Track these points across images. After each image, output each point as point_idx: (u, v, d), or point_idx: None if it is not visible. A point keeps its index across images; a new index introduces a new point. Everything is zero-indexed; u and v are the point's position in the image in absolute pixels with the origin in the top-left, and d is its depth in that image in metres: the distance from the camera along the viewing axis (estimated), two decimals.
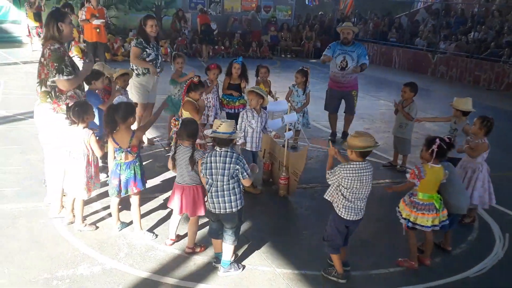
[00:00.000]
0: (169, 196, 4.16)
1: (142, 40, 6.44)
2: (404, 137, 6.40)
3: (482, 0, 17.89)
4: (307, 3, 18.05)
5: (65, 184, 4.36)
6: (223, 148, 3.65)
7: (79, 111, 4.09)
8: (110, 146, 4.11)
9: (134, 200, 4.20)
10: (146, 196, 4.91)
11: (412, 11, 20.15)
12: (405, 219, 4.04)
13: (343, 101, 7.75)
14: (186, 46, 17.39)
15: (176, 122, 3.89)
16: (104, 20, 11.39)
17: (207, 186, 3.72)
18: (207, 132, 3.73)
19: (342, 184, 3.66)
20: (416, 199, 4.00)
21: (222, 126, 3.60)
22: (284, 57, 19.06)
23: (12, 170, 5.63)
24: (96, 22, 11.11)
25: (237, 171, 3.62)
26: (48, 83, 4.17)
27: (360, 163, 3.62)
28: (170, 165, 4.00)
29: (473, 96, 13.25)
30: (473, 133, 4.78)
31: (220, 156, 3.63)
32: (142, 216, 4.47)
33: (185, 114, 5.14)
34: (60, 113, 4.24)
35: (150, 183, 5.19)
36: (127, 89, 6.28)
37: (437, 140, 3.89)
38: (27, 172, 5.58)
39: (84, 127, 4.16)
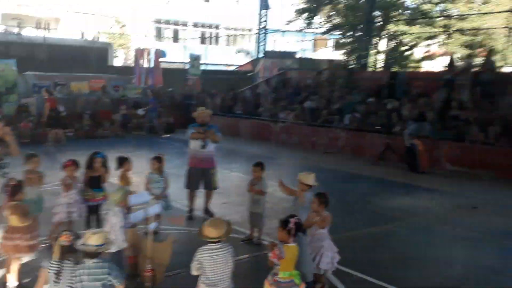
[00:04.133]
0: None
1: None
2: (259, 211, 7.02)
3: (315, 73, 20.20)
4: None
5: None
6: (93, 260, 3.77)
7: None
8: None
9: None
10: None
11: (254, 85, 21.94)
12: None
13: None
14: (31, 131, 16.61)
15: (70, 237, 3.95)
16: None
17: None
18: (78, 246, 3.82)
19: (200, 268, 4.06)
20: (278, 278, 4.44)
21: (92, 238, 3.75)
22: (136, 134, 19.20)
23: None
24: None
25: (110, 282, 3.75)
26: None
27: (214, 245, 4.07)
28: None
29: (311, 159, 14.78)
30: (315, 210, 5.48)
31: (90, 269, 3.74)
32: None
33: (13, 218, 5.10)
34: None
35: None
36: None
37: (292, 220, 4.48)
38: None
39: None
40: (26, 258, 5.18)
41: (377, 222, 8.38)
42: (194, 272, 4.13)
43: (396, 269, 6.42)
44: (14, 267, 5.19)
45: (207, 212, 8.26)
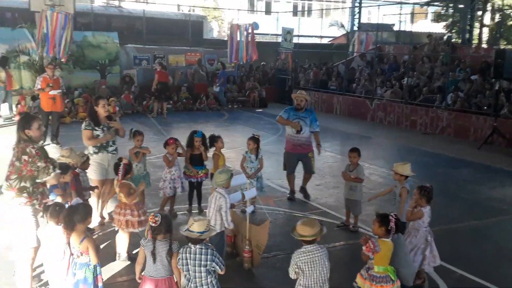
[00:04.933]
0: None
1: (90, 121, 6.54)
2: (355, 198, 6.84)
3: (411, 48, 19.22)
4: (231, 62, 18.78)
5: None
6: (197, 246, 3.88)
7: (58, 211, 4.25)
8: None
9: None
10: None
11: (348, 59, 21.33)
12: None
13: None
14: (132, 103, 17.50)
15: (157, 218, 4.07)
16: (60, 90, 11.45)
17: (184, 280, 3.93)
18: (181, 231, 3.95)
19: (297, 270, 4.03)
20: (373, 273, 4.36)
21: (195, 225, 3.85)
22: (230, 108, 19.56)
23: None
24: (52, 92, 11.16)
25: (213, 268, 3.86)
26: (29, 181, 4.42)
27: (310, 246, 4.02)
28: (140, 265, 4.16)
29: (410, 140, 14.23)
30: (415, 201, 5.23)
31: (195, 254, 3.86)
32: None
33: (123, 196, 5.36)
34: (28, 206, 4.45)
35: None
36: None
37: (391, 218, 4.31)
38: None
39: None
40: (136, 231, 5.45)
41: (482, 214, 7.83)
42: (293, 276, 4.11)
43: (500, 267, 6.00)
44: (125, 239, 5.50)
45: (304, 191, 8.22)
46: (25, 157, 4.43)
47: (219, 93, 19.23)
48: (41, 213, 4.52)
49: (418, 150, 12.71)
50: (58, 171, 4.57)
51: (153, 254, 4.06)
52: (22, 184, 4.43)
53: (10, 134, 12.94)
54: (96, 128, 6.53)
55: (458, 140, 13.97)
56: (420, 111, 15.56)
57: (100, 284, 4.30)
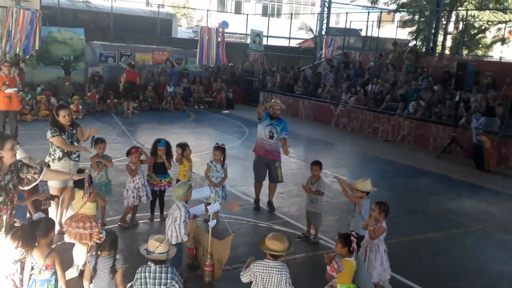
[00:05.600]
0: None
1: (56, 128, 6.44)
2: (316, 211, 6.97)
3: (377, 55, 19.61)
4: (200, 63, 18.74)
5: None
6: (157, 265, 3.91)
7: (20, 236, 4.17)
8: (28, 259, 4.20)
9: None
10: None
11: (315, 64, 21.58)
12: None
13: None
14: (98, 102, 17.22)
15: (101, 235, 4.09)
16: (16, 89, 11.16)
17: None
18: (143, 252, 3.97)
19: (252, 279, 4.14)
20: None
21: (160, 248, 3.89)
22: (197, 109, 19.51)
23: None
24: (8, 90, 10.87)
25: (173, 286, 3.91)
26: None
27: (273, 262, 4.12)
28: (87, 280, 4.17)
29: (372, 147, 14.52)
30: (374, 218, 5.38)
31: (155, 273, 3.90)
32: None
33: (89, 206, 5.32)
34: None
35: None
36: None
37: (353, 238, 4.44)
38: None
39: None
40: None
41: (438, 227, 8.12)
42: (244, 280, 4.22)
43: (456, 282, 6.23)
44: (84, 251, 5.43)
45: (270, 205, 8.30)
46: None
47: (172, 92, 19.02)
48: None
49: (379, 158, 13.01)
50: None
51: (94, 269, 4.11)
52: None
53: None
54: (63, 134, 6.44)
55: (418, 149, 14.38)
56: (383, 118, 15.92)
57: None
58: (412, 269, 6.32)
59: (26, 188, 4.64)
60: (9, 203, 4.41)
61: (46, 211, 6.13)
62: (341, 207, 8.47)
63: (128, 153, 7.02)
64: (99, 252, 4.16)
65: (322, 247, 6.89)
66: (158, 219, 7.37)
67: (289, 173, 10.59)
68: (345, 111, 17.28)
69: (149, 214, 7.40)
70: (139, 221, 7.26)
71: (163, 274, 3.91)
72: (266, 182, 8.35)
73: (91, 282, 4.25)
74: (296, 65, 23.15)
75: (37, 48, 13.83)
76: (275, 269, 4.12)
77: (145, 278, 3.92)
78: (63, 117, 6.43)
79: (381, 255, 5.34)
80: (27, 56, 14.29)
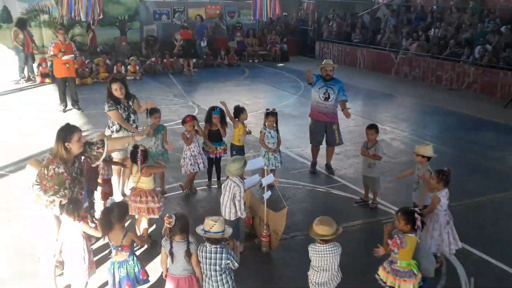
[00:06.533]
0: None
1: (112, 102, 6.58)
2: (374, 175, 6.80)
3: None
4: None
5: (65, 272, 4.62)
6: (213, 245, 3.99)
7: (73, 208, 4.36)
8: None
9: None
10: None
11: (374, 8, 20.57)
12: (390, 287, 4.43)
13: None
14: (159, 63, 17.36)
15: (170, 220, 4.12)
16: (73, 55, 11.41)
17: (205, 277, 4.09)
18: (200, 232, 4.04)
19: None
20: (396, 267, 4.39)
21: (215, 227, 3.95)
22: (251, 63, 19.31)
23: None
24: (65, 57, 11.13)
25: (228, 264, 4.00)
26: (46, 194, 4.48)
27: (324, 245, 4.12)
28: (164, 264, 4.28)
29: (435, 97, 13.89)
30: (434, 187, 5.17)
31: (211, 253, 3.99)
32: None
33: (144, 180, 5.44)
34: (49, 208, 4.58)
35: None
36: None
37: (417, 215, 4.30)
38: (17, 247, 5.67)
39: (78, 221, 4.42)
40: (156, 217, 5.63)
41: (505, 187, 7.65)
42: None
43: None
44: (145, 225, 5.64)
45: (328, 168, 8.18)
46: (45, 172, 4.43)
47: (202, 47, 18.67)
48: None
49: (441, 109, 12.45)
50: (58, 198, 4.52)
51: (171, 254, 4.16)
52: (40, 192, 4.48)
53: (33, 96, 13.23)
54: (118, 107, 6.59)
55: (484, 97, 13.62)
56: (446, 65, 15.11)
57: (145, 277, 4.46)
58: (474, 235, 6.04)
59: (96, 163, 4.92)
60: (81, 191, 4.74)
61: (109, 181, 6.40)
62: (400, 167, 8.17)
63: (183, 121, 7.06)
64: (171, 237, 4.16)
65: (381, 213, 6.74)
66: (215, 185, 7.48)
67: (345, 131, 10.26)
68: (406, 59, 16.52)
69: (207, 180, 7.52)
70: (197, 188, 7.39)
71: (218, 255, 3.97)
72: (323, 145, 8.20)
73: (167, 265, 4.32)
74: (352, 11, 22.18)
75: (101, 16, 13.76)
76: (327, 252, 4.11)
77: (201, 257, 4.03)
78: (115, 90, 6.54)
79: (439, 225, 5.16)
80: (90, 21, 14.38)
